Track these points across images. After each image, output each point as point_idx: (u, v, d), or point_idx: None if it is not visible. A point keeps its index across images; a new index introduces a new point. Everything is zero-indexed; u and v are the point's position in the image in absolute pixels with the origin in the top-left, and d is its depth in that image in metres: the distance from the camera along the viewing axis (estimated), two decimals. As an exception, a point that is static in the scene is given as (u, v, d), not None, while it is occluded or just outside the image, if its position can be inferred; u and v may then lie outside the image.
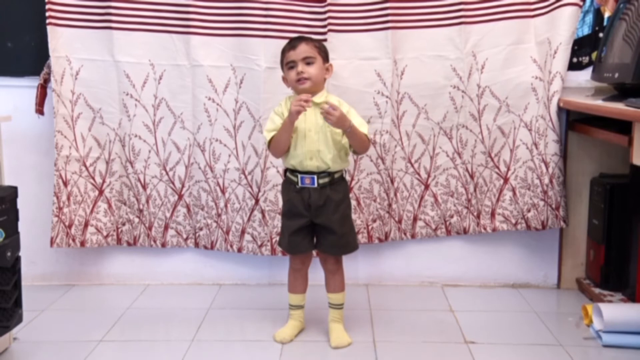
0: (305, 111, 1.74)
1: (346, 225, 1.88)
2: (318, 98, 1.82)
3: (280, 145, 1.83)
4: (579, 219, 2.37)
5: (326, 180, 1.81)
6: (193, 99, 2.26)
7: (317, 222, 1.84)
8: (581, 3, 2.20)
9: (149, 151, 2.33)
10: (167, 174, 2.35)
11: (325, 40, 2.16)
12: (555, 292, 2.42)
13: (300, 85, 1.79)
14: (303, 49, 1.80)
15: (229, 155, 2.30)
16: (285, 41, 1.92)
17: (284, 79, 1.88)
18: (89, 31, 2.24)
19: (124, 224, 2.41)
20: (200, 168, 2.32)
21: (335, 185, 1.85)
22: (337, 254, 1.91)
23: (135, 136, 2.32)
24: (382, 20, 2.21)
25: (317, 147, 1.79)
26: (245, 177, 2.31)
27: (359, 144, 1.82)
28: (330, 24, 2.20)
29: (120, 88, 2.28)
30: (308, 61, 1.79)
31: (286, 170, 1.89)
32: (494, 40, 2.23)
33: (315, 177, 1.80)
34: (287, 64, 1.82)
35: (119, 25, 2.23)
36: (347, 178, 2.20)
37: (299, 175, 1.81)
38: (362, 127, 1.84)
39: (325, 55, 1.86)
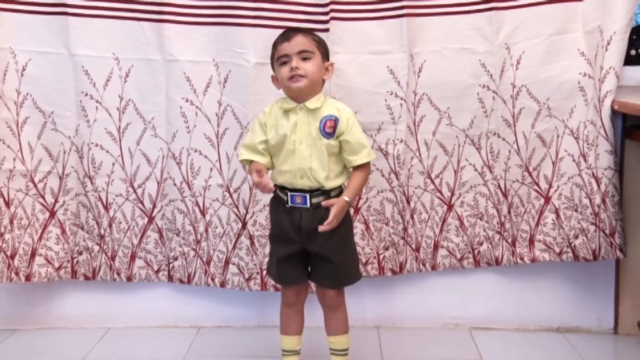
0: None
1: (345, 252, 1.77)
2: (313, 103, 1.70)
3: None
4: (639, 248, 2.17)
5: (320, 199, 1.71)
6: (167, 101, 2.12)
7: (311, 250, 1.74)
8: (640, -17, 2.05)
9: (113, 164, 2.18)
10: (134, 191, 2.20)
11: (327, 30, 2.03)
12: (612, 338, 2.22)
13: (293, 83, 1.67)
14: (299, 41, 1.69)
15: (211, 169, 2.16)
16: (278, 32, 1.78)
17: (274, 79, 1.76)
18: (39, 17, 2.07)
19: (80, 253, 2.24)
20: (175, 185, 2.17)
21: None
22: (334, 286, 1.79)
23: (96, 146, 2.16)
24: (396, 6, 2.05)
25: (308, 164, 1.69)
26: (230, 196, 2.16)
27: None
28: (333, 10, 2.05)
29: (78, 87, 2.12)
30: (305, 56, 1.68)
31: (276, 186, 1.78)
32: (532, 29, 2.06)
33: (308, 195, 1.71)
34: (278, 59, 1.71)
35: (76, 11, 2.06)
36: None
37: (289, 194, 1.72)
38: (361, 154, 1.72)
39: (325, 52, 1.75)
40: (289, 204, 1.71)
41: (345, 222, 1.75)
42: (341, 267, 1.74)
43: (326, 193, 1.71)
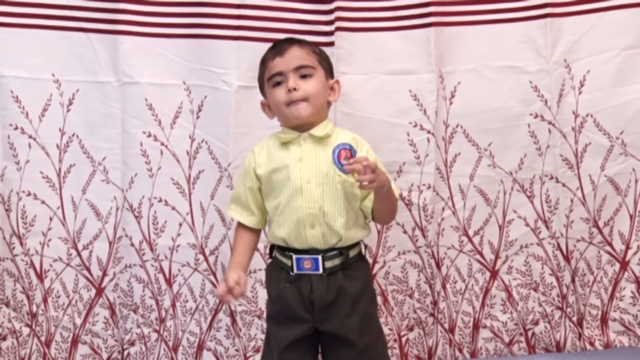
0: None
1: (370, 332, 1.58)
2: (321, 130, 1.56)
3: None
4: None
5: (337, 262, 1.53)
6: (123, 136, 1.96)
7: (325, 330, 1.55)
8: None
9: (51, 219, 1.98)
10: (78, 254, 2.00)
11: (331, 43, 1.89)
12: None
13: (292, 110, 1.51)
14: (296, 55, 1.54)
15: (180, 225, 1.99)
16: (268, 46, 1.63)
17: (265, 106, 1.61)
18: (-48, 29, 1.92)
19: (4, 339, 2.01)
20: (133, 245, 2.00)
21: (352, 270, 1.56)
22: (359, 378, 1.63)
23: (28, 195, 1.97)
24: (422, 13, 1.91)
25: (320, 208, 1.53)
26: (206, 259, 1.99)
27: (389, 210, 1.60)
28: (339, 18, 1.90)
29: (5, 118, 1.94)
30: (304, 73, 1.54)
31: (272, 247, 1.60)
32: (599, 41, 1.93)
33: (320, 257, 1.53)
34: (270, 80, 1.56)
35: (2, 19, 1.90)
36: (368, 259, 1.88)
37: (294, 257, 1.53)
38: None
39: (328, 67, 1.62)
40: (295, 270, 1.53)
41: (368, 294, 1.57)
42: (366, 352, 1.55)
43: (343, 255, 1.53)
